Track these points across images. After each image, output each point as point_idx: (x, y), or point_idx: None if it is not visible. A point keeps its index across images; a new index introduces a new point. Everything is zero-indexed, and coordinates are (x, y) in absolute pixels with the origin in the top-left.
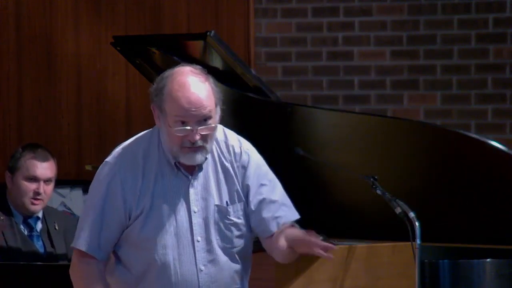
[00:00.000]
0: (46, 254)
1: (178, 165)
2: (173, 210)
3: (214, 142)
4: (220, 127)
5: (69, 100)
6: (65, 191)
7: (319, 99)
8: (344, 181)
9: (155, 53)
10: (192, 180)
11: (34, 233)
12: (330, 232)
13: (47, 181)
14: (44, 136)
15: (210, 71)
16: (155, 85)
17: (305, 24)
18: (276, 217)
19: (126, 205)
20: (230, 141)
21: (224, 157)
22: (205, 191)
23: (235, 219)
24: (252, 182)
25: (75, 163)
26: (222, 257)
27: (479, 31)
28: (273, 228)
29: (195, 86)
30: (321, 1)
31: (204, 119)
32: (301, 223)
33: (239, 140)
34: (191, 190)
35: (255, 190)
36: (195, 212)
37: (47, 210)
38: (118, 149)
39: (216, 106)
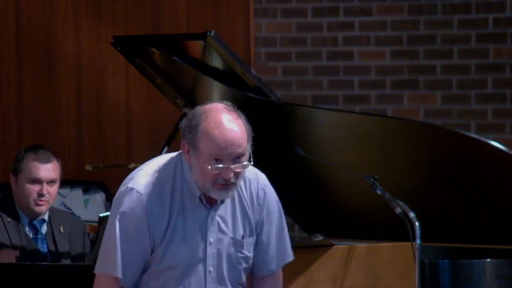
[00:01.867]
0: (51, 257)
1: (201, 198)
2: (192, 241)
3: None
4: None
5: (69, 100)
6: (65, 191)
7: (319, 99)
8: (344, 181)
9: (155, 53)
10: (212, 212)
11: (39, 236)
12: (330, 232)
13: (50, 182)
14: (44, 136)
15: (210, 71)
16: (187, 122)
17: (305, 24)
18: (280, 257)
19: (152, 237)
20: (247, 176)
21: (242, 191)
22: (222, 223)
23: (247, 253)
24: (265, 220)
25: (75, 163)
26: None
27: (479, 31)
28: (274, 267)
29: (230, 124)
30: (321, 1)
31: (237, 157)
32: (302, 222)
33: (256, 175)
34: (210, 221)
35: (267, 229)
36: (210, 244)
37: (52, 212)
38: (145, 175)
39: (248, 143)
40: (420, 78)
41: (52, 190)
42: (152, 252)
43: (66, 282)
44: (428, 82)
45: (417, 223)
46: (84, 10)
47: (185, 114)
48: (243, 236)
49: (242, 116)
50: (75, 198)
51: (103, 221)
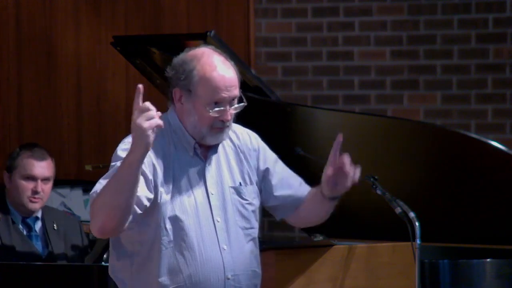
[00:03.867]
0: (45, 254)
1: (196, 147)
2: (192, 193)
3: None
4: None
5: (69, 100)
6: (65, 191)
7: (319, 99)
8: None
9: (155, 53)
10: (207, 164)
11: (33, 233)
12: (330, 232)
13: (44, 180)
14: (44, 136)
15: None
16: (177, 69)
17: (305, 24)
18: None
19: (154, 175)
20: (237, 129)
21: (232, 142)
22: (218, 174)
23: (250, 200)
24: (269, 163)
25: (75, 163)
26: (242, 238)
27: (479, 31)
28: (306, 192)
29: (225, 66)
30: (321, 1)
31: (233, 99)
32: None
33: (245, 129)
34: (207, 173)
35: (277, 168)
36: (212, 194)
37: (46, 209)
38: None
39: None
40: (420, 78)
41: (46, 188)
42: (157, 199)
43: (63, 281)
44: (428, 82)
45: (417, 223)
46: (84, 10)
47: None
48: (240, 183)
49: (228, 58)
50: (75, 198)
51: None
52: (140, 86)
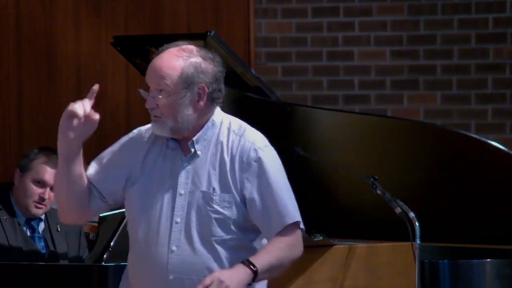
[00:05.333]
0: (48, 255)
1: (171, 145)
2: (163, 190)
3: (226, 132)
4: (240, 122)
5: (69, 100)
6: None
7: (319, 99)
8: (344, 181)
9: (155, 53)
10: (185, 163)
11: (36, 234)
12: (330, 232)
13: (53, 188)
14: (44, 136)
15: None
16: None
17: (305, 24)
18: (279, 218)
19: (130, 160)
20: (245, 136)
21: (229, 148)
22: (196, 176)
23: (218, 208)
24: (255, 180)
25: None
26: (198, 243)
27: (479, 31)
28: (275, 229)
29: (165, 56)
30: (321, 1)
31: (160, 90)
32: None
33: (255, 139)
34: (182, 173)
35: (259, 190)
36: (180, 195)
37: (49, 211)
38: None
39: (183, 86)
40: (420, 78)
41: (52, 195)
42: (126, 195)
43: (65, 281)
44: (428, 82)
45: (417, 223)
46: (84, 10)
47: None
48: (214, 188)
49: (200, 61)
50: None
51: (103, 221)
52: (95, 87)
